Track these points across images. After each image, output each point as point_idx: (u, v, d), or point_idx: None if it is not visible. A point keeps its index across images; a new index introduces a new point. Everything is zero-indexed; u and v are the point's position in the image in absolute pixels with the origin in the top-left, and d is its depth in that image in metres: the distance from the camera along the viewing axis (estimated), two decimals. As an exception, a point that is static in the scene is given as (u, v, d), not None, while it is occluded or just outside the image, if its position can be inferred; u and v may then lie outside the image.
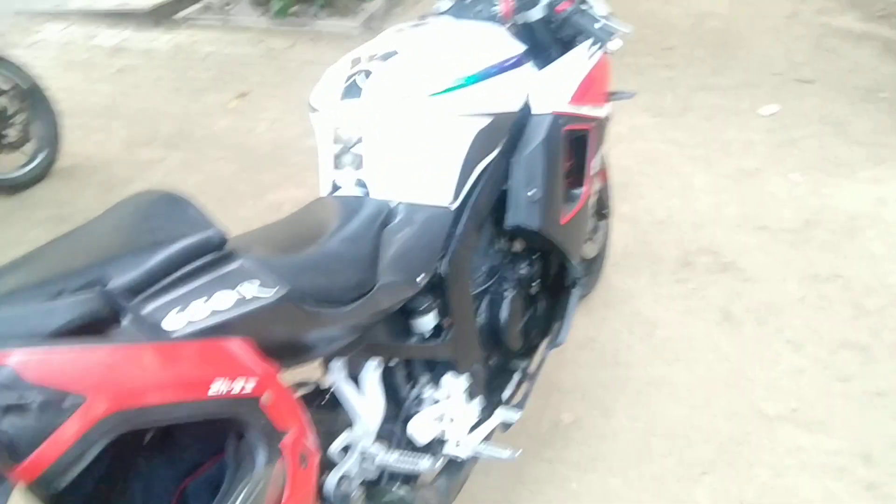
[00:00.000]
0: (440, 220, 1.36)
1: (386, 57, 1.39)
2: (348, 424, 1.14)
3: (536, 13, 1.66)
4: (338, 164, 1.34)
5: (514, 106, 1.52)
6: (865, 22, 4.93)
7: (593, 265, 2.43)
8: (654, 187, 3.18)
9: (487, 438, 1.52)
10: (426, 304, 1.34)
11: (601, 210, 2.32)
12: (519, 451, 1.41)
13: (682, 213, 2.97)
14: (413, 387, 1.35)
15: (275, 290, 0.89)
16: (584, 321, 2.39)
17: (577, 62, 1.70)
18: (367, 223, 1.24)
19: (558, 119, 1.61)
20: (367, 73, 1.36)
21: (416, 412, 1.31)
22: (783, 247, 2.73)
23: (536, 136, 1.57)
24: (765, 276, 2.57)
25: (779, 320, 2.36)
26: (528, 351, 1.75)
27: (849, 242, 2.73)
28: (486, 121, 1.42)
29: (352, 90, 1.34)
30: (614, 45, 1.57)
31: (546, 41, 1.73)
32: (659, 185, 3.19)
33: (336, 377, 1.12)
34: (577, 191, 1.78)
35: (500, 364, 1.67)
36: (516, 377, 1.69)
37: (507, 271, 1.65)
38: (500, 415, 1.49)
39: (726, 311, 2.41)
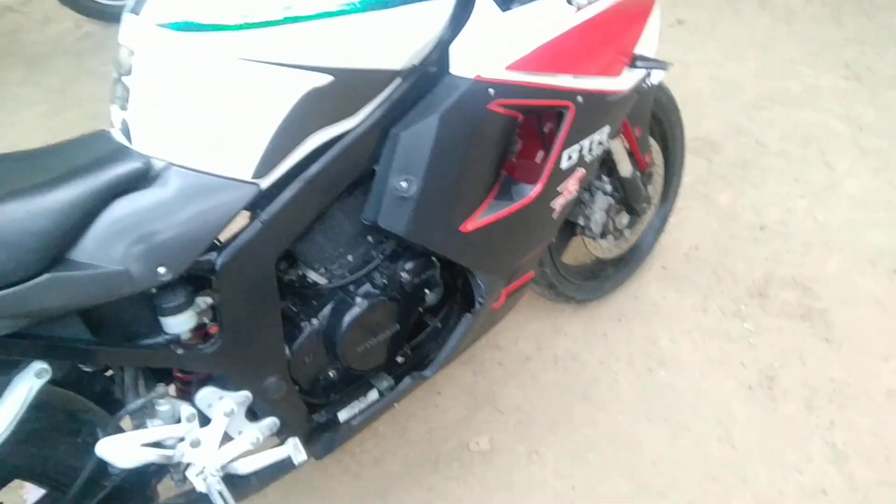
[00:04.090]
0: (227, 198, 1.01)
1: (203, -41, 1.01)
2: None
3: None
4: (113, 94, 1.03)
5: (392, 61, 1.07)
6: None
7: (612, 270, 1.91)
8: (784, 177, 2.42)
9: (277, 471, 1.23)
10: (178, 302, 1.04)
11: (634, 204, 1.75)
12: None
13: (801, 222, 2.24)
14: (138, 395, 1.08)
15: None
16: (576, 330, 1.91)
17: (552, 8, 1.16)
18: (96, 182, 0.94)
19: (484, 88, 1.13)
20: None
21: (124, 430, 1.05)
22: (914, 310, 1.95)
23: (436, 106, 1.11)
24: (859, 343, 1.86)
25: (838, 412, 1.71)
26: (399, 369, 1.39)
27: None
28: (325, 78, 1.00)
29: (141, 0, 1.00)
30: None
31: None
32: (794, 177, 2.42)
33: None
34: (523, 186, 1.30)
35: (351, 376, 1.33)
36: (371, 397, 1.35)
37: (380, 270, 1.27)
38: (290, 449, 1.19)
39: (771, 377, 1.79)
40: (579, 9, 1.09)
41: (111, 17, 3.24)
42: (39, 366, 0.94)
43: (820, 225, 2.23)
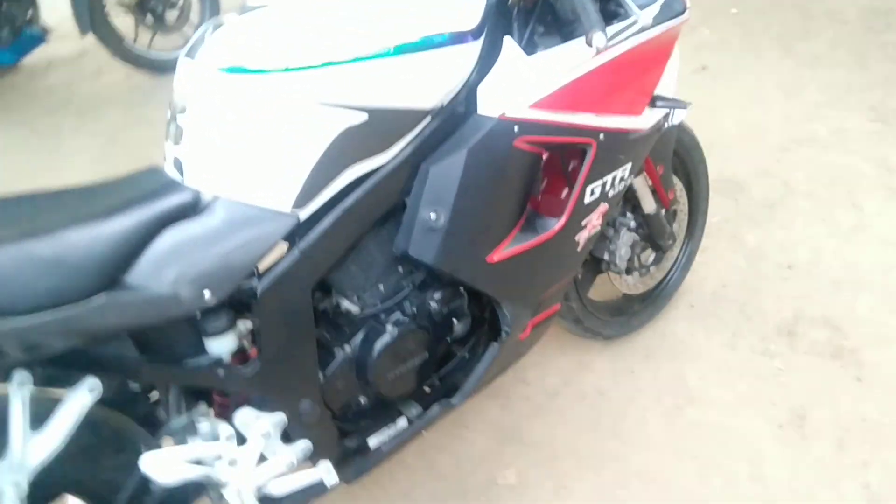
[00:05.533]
0: (269, 228, 1.08)
1: (251, 9, 1.11)
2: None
3: None
4: (167, 133, 1.12)
5: (423, 101, 1.14)
6: None
7: (638, 306, 1.93)
8: (812, 218, 2.43)
9: (309, 494, 1.26)
10: (221, 325, 1.10)
11: (658, 240, 1.79)
12: None
13: (828, 262, 2.23)
14: (180, 414, 1.14)
15: None
16: (603, 367, 1.93)
17: (574, 52, 1.23)
18: (149, 213, 1.02)
19: (509, 126, 1.20)
20: (217, 27, 1.09)
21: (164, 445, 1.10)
22: (949, 350, 1.92)
23: (463, 143, 1.18)
24: (891, 383, 1.84)
25: (871, 452, 1.68)
26: (428, 397, 1.42)
27: None
28: (361, 116, 1.08)
29: (196, 45, 1.10)
30: (599, 39, 1.09)
31: (566, 16, 1.29)
32: (822, 217, 2.43)
33: (10, 390, 0.96)
34: (548, 220, 1.35)
35: (381, 403, 1.37)
36: (400, 424, 1.39)
37: (410, 300, 1.32)
38: (322, 472, 1.22)
39: (801, 415, 1.78)
40: (598, 52, 1.16)
41: (160, 68, 3.43)
42: (92, 382, 1.01)
43: (849, 265, 2.22)
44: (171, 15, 3.42)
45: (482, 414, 1.81)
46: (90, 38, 3.27)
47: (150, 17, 3.39)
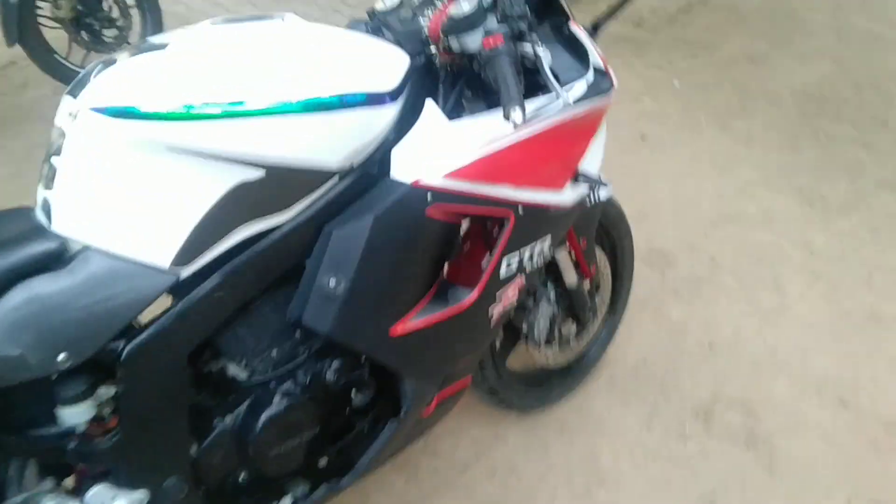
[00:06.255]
0: (142, 285, 0.98)
1: (148, 49, 1.03)
2: None
3: (474, 41, 1.18)
4: (40, 173, 1.02)
5: (327, 161, 1.07)
6: None
7: (557, 379, 1.88)
8: (736, 296, 2.44)
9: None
10: (78, 391, 0.98)
11: (579, 313, 1.75)
12: None
13: (750, 343, 2.24)
14: (25, 489, 1.01)
15: None
16: (517, 440, 1.86)
17: (495, 123, 1.18)
18: (6, 261, 0.91)
19: (421, 194, 1.13)
20: (108, 64, 1.00)
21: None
22: (860, 442, 1.93)
23: (371, 207, 1.11)
24: (802, 476, 1.83)
25: (779, 547, 1.65)
26: (317, 475, 1.32)
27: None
28: (257, 172, 1.00)
29: (82, 83, 1.00)
30: (516, 116, 1.05)
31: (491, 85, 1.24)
32: (745, 297, 2.44)
33: None
34: (461, 291, 1.28)
35: (263, 480, 1.26)
36: (285, 502, 1.28)
37: (305, 368, 1.22)
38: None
39: (711, 502, 1.74)
40: (515, 126, 1.11)
41: (89, 87, 3.27)
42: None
43: (768, 347, 2.23)
44: (110, 33, 3.28)
45: (386, 487, 1.71)
46: (19, 49, 3.10)
47: (85, 34, 3.25)
